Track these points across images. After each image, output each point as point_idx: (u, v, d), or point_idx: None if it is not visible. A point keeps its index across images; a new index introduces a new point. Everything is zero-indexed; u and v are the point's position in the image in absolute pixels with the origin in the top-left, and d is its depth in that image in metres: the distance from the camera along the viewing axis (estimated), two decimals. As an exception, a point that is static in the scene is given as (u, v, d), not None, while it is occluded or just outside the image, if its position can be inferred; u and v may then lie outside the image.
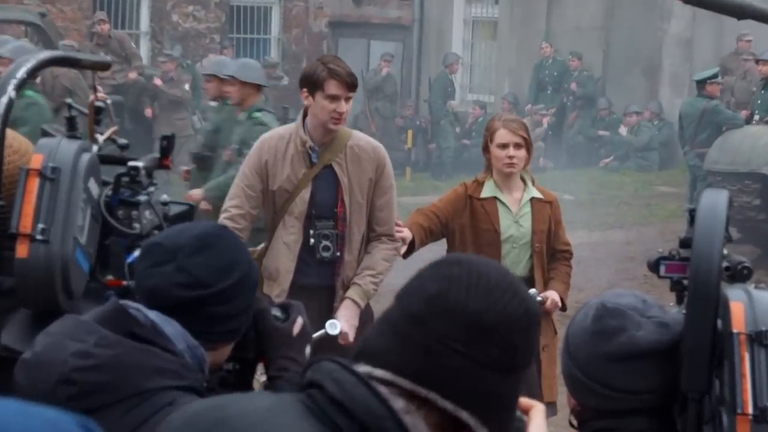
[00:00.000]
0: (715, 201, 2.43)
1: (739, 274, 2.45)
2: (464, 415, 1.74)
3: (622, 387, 2.44)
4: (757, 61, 14.28)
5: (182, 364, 2.43)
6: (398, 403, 1.73)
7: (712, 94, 14.03)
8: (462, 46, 22.42)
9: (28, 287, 2.90)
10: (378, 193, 5.53)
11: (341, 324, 5.26)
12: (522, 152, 5.78)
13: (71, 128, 3.13)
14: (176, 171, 8.79)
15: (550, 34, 20.36)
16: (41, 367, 2.41)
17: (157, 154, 3.22)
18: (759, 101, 13.75)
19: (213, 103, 9.91)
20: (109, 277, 3.06)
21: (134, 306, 2.48)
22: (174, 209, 3.19)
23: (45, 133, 3.10)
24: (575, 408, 2.56)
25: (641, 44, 19.34)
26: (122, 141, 3.28)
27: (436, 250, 6.16)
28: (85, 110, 3.32)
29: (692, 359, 2.35)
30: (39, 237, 2.88)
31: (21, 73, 3.11)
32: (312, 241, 5.48)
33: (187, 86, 17.20)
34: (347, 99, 5.39)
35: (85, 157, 3.01)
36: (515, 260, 5.84)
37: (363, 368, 1.77)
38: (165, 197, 3.17)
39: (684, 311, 2.39)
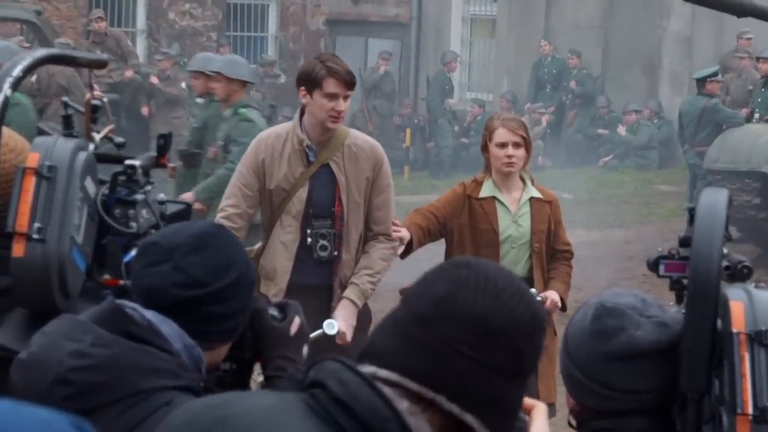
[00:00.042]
0: (714, 200, 2.42)
1: (738, 274, 2.44)
2: (469, 418, 1.75)
3: (622, 387, 2.43)
4: (758, 59, 14.27)
5: (179, 363, 2.42)
6: (402, 405, 1.74)
7: (712, 92, 14.03)
8: (460, 44, 22.41)
9: (25, 286, 2.89)
10: (375, 192, 5.51)
11: (339, 324, 5.25)
12: (521, 151, 5.76)
13: (67, 127, 3.11)
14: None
15: (548, 32, 20.35)
16: (37, 367, 2.40)
17: (153, 153, 3.21)
18: (759, 99, 13.74)
19: (200, 100, 9.88)
20: (106, 277, 3.05)
21: (131, 305, 2.47)
22: (171, 208, 3.17)
23: (41, 132, 3.09)
24: (574, 408, 2.55)
25: (640, 42, 19.34)
26: (119, 139, 3.27)
27: (434, 250, 6.16)
28: (82, 109, 3.31)
29: (692, 359, 2.34)
30: (35, 236, 2.86)
31: (17, 71, 3.09)
32: (309, 240, 5.46)
33: (183, 84, 17.19)
34: (345, 97, 5.38)
35: (82, 156, 3.00)
36: (514, 260, 5.82)
37: (368, 369, 1.77)
38: (162, 196, 3.16)
39: (683, 311, 2.39)
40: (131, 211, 3.06)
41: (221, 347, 2.58)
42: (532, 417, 1.98)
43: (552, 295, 5.76)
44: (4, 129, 3.07)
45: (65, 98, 3.36)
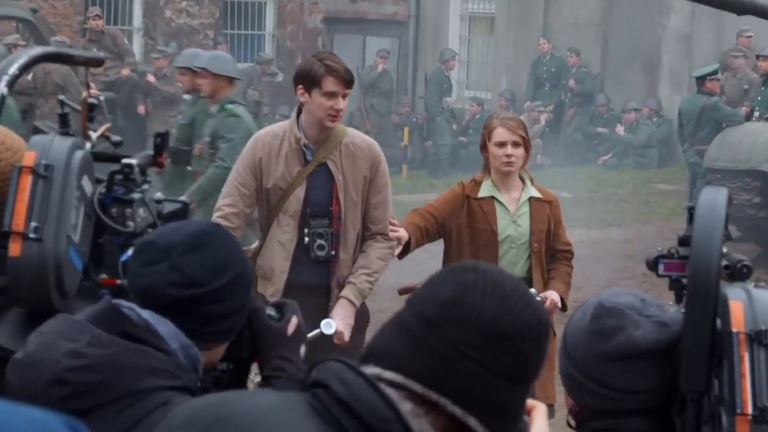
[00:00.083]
0: (714, 199, 2.42)
1: (738, 273, 2.43)
2: (472, 422, 1.76)
3: (621, 387, 2.43)
4: (758, 57, 14.27)
5: (176, 363, 2.41)
6: (406, 406, 1.74)
7: (712, 90, 14.02)
8: (459, 42, 22.40)
9: (21, 286, 2.88)
10: (373, 192, 5.50)
11: (336, 323, 5.23)
12: (520, 151, 5.74)
13: (64, 125, 3.11)
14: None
15: (547, 30, 20.35)
16: (33, 367, 2.39)
17: (150, 152, 3.20)
18: (759, 98, 13.73)
19: (187, 97, 9.87)
20: (103, 276, 3.04)
21: (127, 305, 2.47)
22: (168, 207, 3.17)
23: (37, 130, 3.08)
24: (573, 408, 2.54)
25: (640, 40, 19.34)
26: (115, 138, 3.26)
27: (433, 250, 6.16)
28: (78, 107, 3.30)
29: (691, 359, 2.33)
30: (32, 235, 2.85)
31: (13, 69, 3.09)
32: (306, 239, 5.45)
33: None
34: (344, 96, 5.37)
35: (79, 155, 2.99)
36: (513, 260, 5.80)
37: (372, 370, 1.78)
38: (159, 195, 3.16)
39: (683, 310, 2.38)
40: (128, 210, 3.05)
41: (218, 347, 2.57)
42: (532, 418, 1.98)
43: (552, 295, 5.74)
44: (0, 127, 3.06)
45: (62, 96, 3.35)
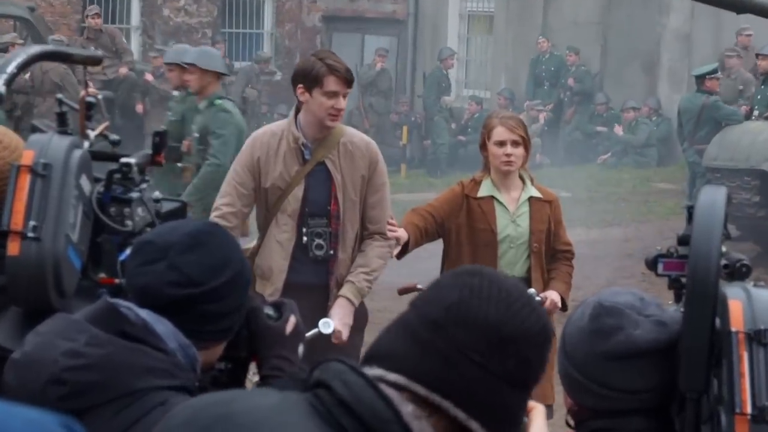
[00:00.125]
0: (713, 198, 2.41)
1: (737, 272, 2.43)
2: (474, 425, 1.77)
3: (620, 386, 2.42)
4: (758, 56, 14.27)
5: (174, 363, 2.41)
6: (407, 408, 1.75)
7: (712, 89, 14.01)
8: (457, 40, 22.40)
9: (20, 285, 2.87)
10: (371, 191, 5.49)
11: (335, 323, 5.23)
12: (520, 150, 5.73)
13: (62, 124, 3.10)
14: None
15: (546, 29, 20.34)
16: (31, 366, 2.39)
17: (149, 151, 3.19)
18: (759, 97, 13.74)
19: (175, 93, 9.84)
20: (102, 275, 3.03)
21: (125, 305, 2.46)
22: (166, 206, 3.16)
23: (35, 129, 3.07)
24: (572, 408, 2.54)
25: (639, 39, 19.33)
26: (114, 137, 3.26)
27: (432, 250, 6.15)
28: (76, 106, 3.29)
29: (690, 358, 2.33)
30: (30, 234, 2.85)
31: (11, 68, 3.08)
32: (305, 239, 5.44)
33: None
34: (344, 95, 5.36)
35: (77, 154, 2.99)
36: (512, 260, 5.79)
37: (375, 371, 1.79)
38: (157, 194, 3.15)
39: (682, 309, 2.37)
40: (127, 210, 3.04)
41: (216, 346, 2.57)
42: (531, 418, 1.99)
43: (552, 295, 5.72)
44: (-1, 126, 3.06)
45: (60, 95, 3.34)
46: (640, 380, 2.42)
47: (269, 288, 5.42)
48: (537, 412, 2.00)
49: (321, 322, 5.09)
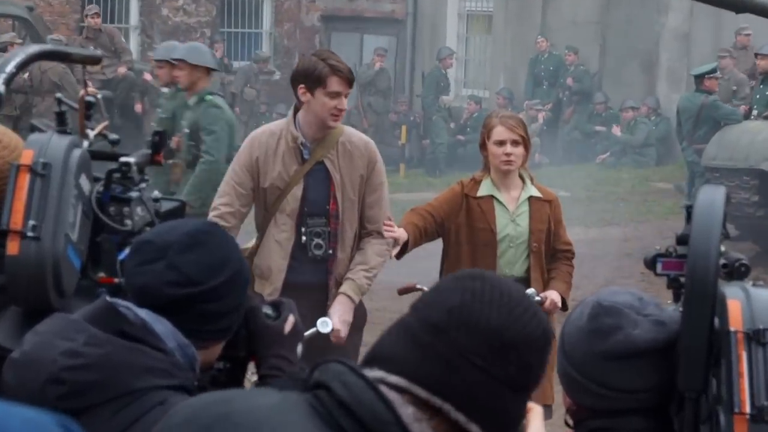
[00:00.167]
0: (712, 197, 2.41)
1: (736, 272, 2.43)
2: (474, 429, 1.78)
3: (619, 386, 2.42)
4: (756, 55, 14.28)
5: (173, 362, 2.41)
6: (407, 410, 1.75)
7: (711, 89, 14.01)
8: (456, 40, 22.40)
9: (19, 285, 2.87)
10: (369, 190, 5.48)
11: (333, 320, 5.23)
12: (520, 149, 5.72)
13: (61, 123, 3.10)
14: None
15: (545, 29, 20.34)
16: (30, 366, 2.39)
17: (148, 150, 3.19)
18: (758, 96, 13.74)
19: (165, 90, 9.82)
20: (101, 275, 3.03)
21: (124, 304, 2.46)
22: (165, 206, 3.16)
23: (34, 129, 3.07)
24: (571, 407, 2.54)
25: (638, 38, 19.33)
26: (113, 136, 3.25)
27: (431, 249, 6.15)
28: (75, 105, 3.29)
29: (689, 358, 2.33)
30: (30, 234, 2.84)
31: (10, 67, 3.08)
32: (304, 238, 5.43)
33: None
34: (346, 95, 5.36)
35: (76, 153, 2.98)
36: (511, 260, 5.78)
37: (376, 373, 1.79)
38: (156, 193, 3.15)
39: (681, 309, 2.37)
40: (126, 209, 3.04)
41: (215, 346, 2.57)
42: (528, 419, 1.99)
43: (552, 295, 5.71)
44: (-2, 126, 3.06)
45: (59, 95, 3.34)
46: (639, 380, 2.42)
47: (268, 288, 5.42)
48: (534, 412, 2.01)
49: (319, 321, 5.09)
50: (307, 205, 5.43)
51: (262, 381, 2.63)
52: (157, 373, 2.37)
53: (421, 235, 5.72)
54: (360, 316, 5.50)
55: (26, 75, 14.26)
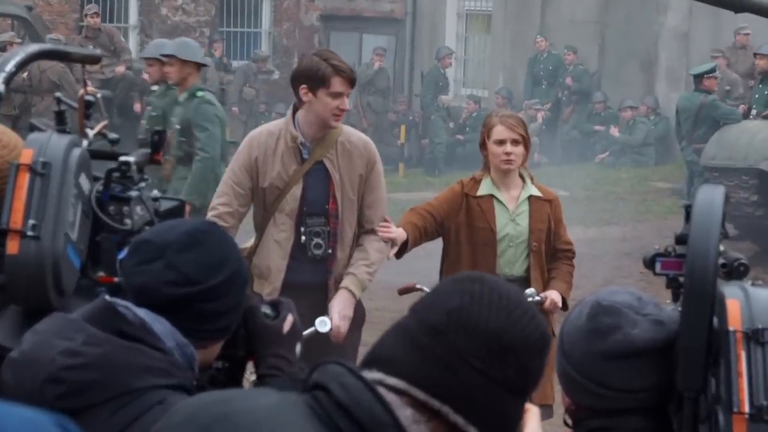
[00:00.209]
0: (711, 197, 2.41)
1: (735, 271, 2.43)
2: (473, 431, 1.77)
3: (618, 386, 2.42)
4: (755, 55, 14.28)
5: (171, 362, 2.41)
6: (405, 412, 1.76)
7: (710, 88, 14.02)
8: (455, 39, 22.39)
9: (19, 284, 2.87)
10: (368, 190, 5.48)
11: (333, 315, 5.23)
12: (520, 149, 5.72)
13: (61, 123, 3.10)
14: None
15: (544, 28, 20.34)
16: (29, 365, 2.39)
17: (147, 149, 3.19)
18: (756, 96, 13.75)
19: (155, 87, 9.82)
20: (101, 274, 3.03)
21: (123, 304, 2.46)
22: (165, 205, 3.16)
23: (34, 128, 3.07)
24: (570, 407, 2.54)
25: (637, 38, 19.33)
26: (113, 136, 3.26)
27: (431, 249, 6.15)
28: (74, 104, 3.29)
29: (688, 357, 2.33)
30: (29, 233, 2.84)
31: (10, 66, 3.08)
32: (303, 238, 5.43)
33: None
34: (348, 95, 5.36)
35: (76, 152, 2.98)
36: (511, 259, 5.77)
37: (375, 375, 1.79)
38: (156, 193, 3.15)
39: (680, 308, 2.37)
40: (125, 208, 3.04)
41: (214, 345, 2.56)
42: (525, 420, 1.98)
43: (552, 295, 5.69)
44: (-3, 125, 3.06)
45: (58, 94, 3.34)
46: (638, 379, 2.42)
47: (267, 287, 5.41)
48: (531, 413, 2.00)
49: (318, 320, 5.09)
50: (307, 204, 5.42)
51: (261, 380, 2.63)
52: (155, 372, 2.37)
53: (420, 235, 5.70)
54: (359, 316, 5.49)
55: (25, 74, 14.25)
